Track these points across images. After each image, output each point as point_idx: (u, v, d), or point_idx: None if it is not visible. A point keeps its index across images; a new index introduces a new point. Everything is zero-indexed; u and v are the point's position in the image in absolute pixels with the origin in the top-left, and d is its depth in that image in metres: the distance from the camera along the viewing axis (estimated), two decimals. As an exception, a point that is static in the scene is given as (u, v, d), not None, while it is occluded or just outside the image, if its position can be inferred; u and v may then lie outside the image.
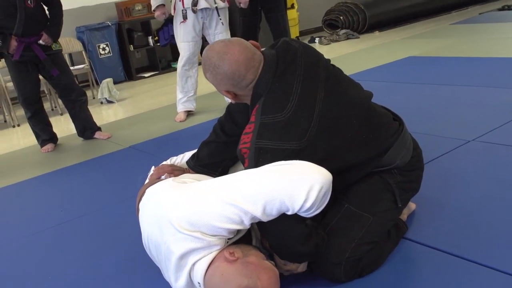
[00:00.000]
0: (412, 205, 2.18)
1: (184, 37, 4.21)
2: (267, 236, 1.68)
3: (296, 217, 1.56)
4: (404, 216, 2.11)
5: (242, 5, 4.45)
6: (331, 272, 1.74)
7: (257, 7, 4.80)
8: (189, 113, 4.47)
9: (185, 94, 4.40)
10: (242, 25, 4.94)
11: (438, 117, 3.36)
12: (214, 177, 1.83)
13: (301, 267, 1.78)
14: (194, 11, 4.10)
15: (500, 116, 3.15)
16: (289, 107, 1.68)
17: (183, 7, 4.12)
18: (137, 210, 1.91)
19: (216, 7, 4.18)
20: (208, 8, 4.14)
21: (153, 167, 2.10)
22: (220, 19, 4.22)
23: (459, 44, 5.83)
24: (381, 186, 1.86)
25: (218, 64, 1.72)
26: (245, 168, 1.68)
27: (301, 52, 1.80)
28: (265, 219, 1.53)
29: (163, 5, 4.22)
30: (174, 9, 4.19)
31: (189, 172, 2.08)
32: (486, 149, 2.72)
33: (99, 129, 4.25)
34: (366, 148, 1.81)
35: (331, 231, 1.76)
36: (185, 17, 4.14)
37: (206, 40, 4.40)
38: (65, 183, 3.32)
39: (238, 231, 1.60)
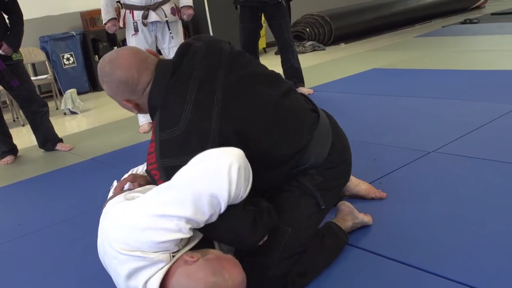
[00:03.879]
0: (366, 218, 2.16)
1: None
2: (218, 240, 1.66)
3: (233, 211, 1.54)
4: (347, 223, 2.08)
5: (185, 18, 4.30)
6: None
7: (258, 14, 4.60)
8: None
9: (146, 107, 4.35)
10: (242, 32, 4.68)
11: (399, 128, 3.40)
12: None
13: None
14: (144, 24, 4.10)
15: (460, 127, 3.20)
16: (183, 117, 1.62)
17: (133, 19, 4.11)
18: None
19: (167, 21, 4.16)
20: (159, 21, 4.13)
21: (115, 181, 2.04)
22: (171, 33, 4.20)
23: (422, 57, 5.94)
24: (298, 192, 1.81)
25: (110, 72, 1.70)
26: None
27: (202, 52, 1.76)
28: (201, 220, 1.50)
29: (115, 18, 4.20)
30: (124, 21, 4.18)
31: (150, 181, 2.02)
32: (445, 160, 2.76)
33: (60, 140, 4.18)
34: (279, 147, 1.75)
35: None
36: (136, 30, 4.13)
37: (161, 54, 4.37)
38: (24, 196, 3.25)
39: (185, 242, 1.57)
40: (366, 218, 2.16)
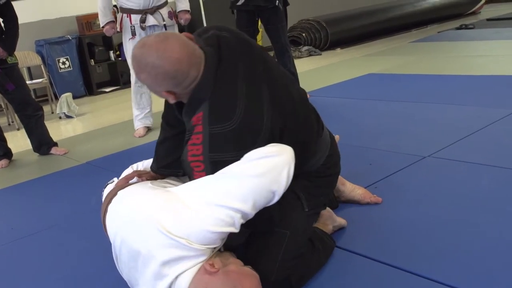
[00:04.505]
0: (342, 221, 2.18)
1: None
2: (247, 225, 1.61)
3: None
4: (328, 227, 2.10)
5: (183, 22, 4.31)
6: None
7: (255, 18, 4.56)
8: (148, 129, 4.42)
9: (142, 111, 4.36)
10: None
11: (395, 133, 3.40)
12: (180, 176, 1.80)
13: None
14: (142, 28, 4.08)
15: (456, 132, 3.20)
16: (237, 113, 1.59)
17: (131, 23, 4.10)
18: (103, 214, 1.80)
19: (165, 25, 4.15)
20: (156, 25, 4.12)
21: (115, 178, 1.99)
22: None
23: (418, 62, 5.95)
24: (289, 196, 1.77)
25: (158, 64, 1.56)
26: None
27: (235, 44, 1.72)
28: (252, 214, 1.53)
29: (113, 21, 4.19)
30: (121, 25, 4.17)
31: (156, 177, 1.98)
32: (440, 165, 2.76)
33: (55, 144, 4.16)
34: (301, 147, 1.75)
35: (251, 253, 1.72)
36: (133, 34, 4.12)
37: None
38: (18, 200, 3.23)
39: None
40: (342, 221, 2.19)
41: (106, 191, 1.91)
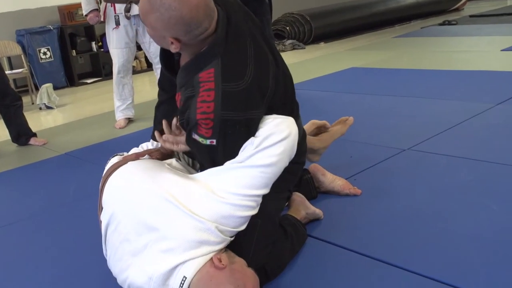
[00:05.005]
0: (317, 210, 2.18)
1: (117, 43, 4.14)
2: None
3: None
4: (301, 213, 2.11)
5: None
6: None
7: None
8: (129, 120, 4.38)
9: (123, 102, 4.32)
10: None
11: (376, 126, 3.41)
12: None
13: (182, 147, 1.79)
14: (127, 17, 4.04)
15: (436, 126, 3.22)
16: (248, 73, 1.61)
17: (115, 13, 4.05)
18: (102, 183, 1.77)
19: None
20: None
21: (124, 153, 1.96)
22: None
23: (401, 57, 5.97)
24: None
25: (175, 7, 1.50)
26: (201, 136, 1.61)
27: (238, 8, 1.73)
28: None
29: (97, 9, 4.15)
30: (104, 15, 4.12)
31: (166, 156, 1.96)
32: (420, 157, 2.77)
33: (34, 135, 4.10)
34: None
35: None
36: (117, 23, 4.08)
37: (141, 49, 4.33)
38: (-6, 191, 3.18)
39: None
40: (317, 211, 2.18)
41: (113, 161, 1.87)
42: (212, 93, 1.57)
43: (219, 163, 1.64)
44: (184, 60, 1.73)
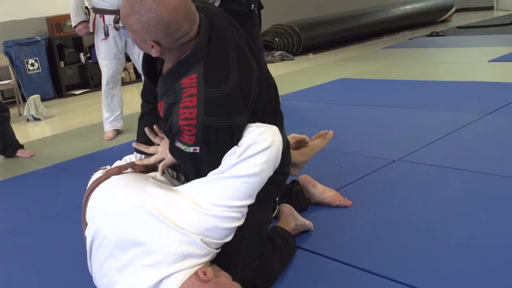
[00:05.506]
0: (307, 222, 2.16)
1: (106, 54, 4.12)
2: None
3: None
4: (291, 225, 2.08)
5: None
6: None
7: None
8: (118, 132, 4.35)
9: (112, 113, 4.29)
10: None
11: (365, 137, 3.41)
12: None
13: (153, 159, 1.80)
14: (116, 28, 4.03)
15: (425, 136, 3.22)
16: (231, 78, 1.59)
17: (104, 23, 4.04)
18: (86, 197, 1.74)
19: None
20: None
21: (107, 166, 1.93)
22: None
23: (389, 67, 6.00)
24: None
25: (155, 9, 1.50)
26: (184, 144, 1.58)
27: (221, 15, 1.72)
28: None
29: (86, 21, 4.14)
30: (94, 26, 4.10)
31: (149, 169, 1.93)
32: (409, 168, 2.77)
33: (21, 146, 4.06)
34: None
35: (212, 261, 1.67)
36: (106, 34, 4.06)
37: (130, 60, 4.31)
38: (-20, 203, 3.14)
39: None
40: (307, 222, 2.16)
41: (96, 176, 1.83)
42: (195, 98, 1.56)
43: (203, 171, 1.61)
44: (166, 68, 1.72)
